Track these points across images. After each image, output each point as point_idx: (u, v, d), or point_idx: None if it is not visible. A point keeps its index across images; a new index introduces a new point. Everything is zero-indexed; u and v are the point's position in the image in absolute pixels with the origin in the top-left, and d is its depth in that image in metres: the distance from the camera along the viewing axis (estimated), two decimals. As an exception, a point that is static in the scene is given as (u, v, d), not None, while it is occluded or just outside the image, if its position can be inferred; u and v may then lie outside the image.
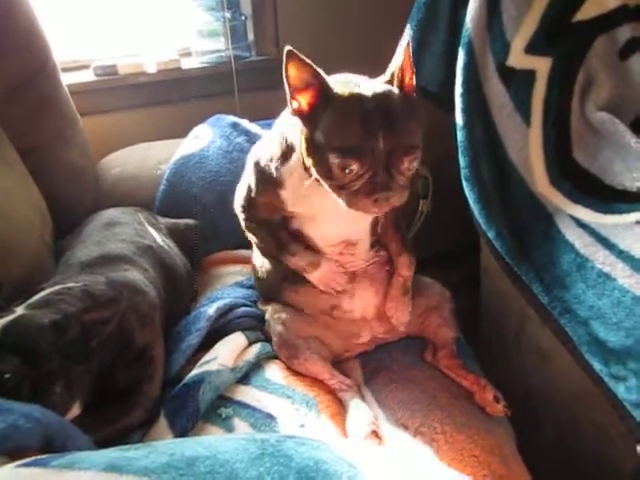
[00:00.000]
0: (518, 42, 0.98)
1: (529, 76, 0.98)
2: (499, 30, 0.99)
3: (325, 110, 0.75)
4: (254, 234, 1.00)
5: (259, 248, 1.02)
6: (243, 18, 1.65)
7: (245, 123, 1.39)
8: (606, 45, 0.98)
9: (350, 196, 0.77)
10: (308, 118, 0.77)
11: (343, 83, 0.78)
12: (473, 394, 0.90)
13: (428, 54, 1.12)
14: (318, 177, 0.79)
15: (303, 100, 0.77)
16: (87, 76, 1.52)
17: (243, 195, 0.97)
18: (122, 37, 1.62)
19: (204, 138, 1.36)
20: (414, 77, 0.79)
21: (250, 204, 0.96)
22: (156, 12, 1.65)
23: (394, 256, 0.98)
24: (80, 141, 1.35)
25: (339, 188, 0.77)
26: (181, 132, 1.43)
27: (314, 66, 0.75)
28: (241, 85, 1.59)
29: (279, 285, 1.00)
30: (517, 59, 0.98)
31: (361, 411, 0.85)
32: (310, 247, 0.95)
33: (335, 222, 0.90)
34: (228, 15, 1.59)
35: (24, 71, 1.19)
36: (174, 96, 1.60)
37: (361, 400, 0.88)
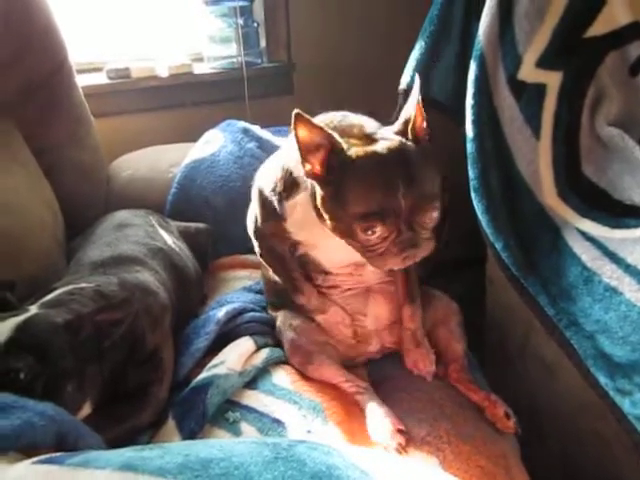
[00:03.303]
0: (530, 56, 0.99)
1: (540, 90, 0.98)
2: (511, 43, 1.00)
3: (343, 173, 0.74)
4: (268, 265, 1.00)
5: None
6: (255, 25, 1.66)
7: (256, 129, 1.40)
8: (617, 61, 0.98)
9: (376, 258, 0.77)
10: (324, 180, 0.76)
11: (352, 137, 0.77)
12: (484, 409, 0.89)
13: (439, 66, 1.13)
14: (339, 236, 0.79)
15: (316, 161, 0.75)
16: (100, 79, 1.54)
17: (252, 223, 0.98)
18: (135, 41, 1.65)
19: (215, 143, 1.38)
20: (424, 122, 0.79)
21: (258, 232, 0.97)
22: (169, 17, 1.67)
23: (400, 303, 0.97)
24: (92, 143, 1.36)
25: (363, 248, 0.78)
26: (192, 136, 1.44)
27: (324, 128, 0.74)
28: (252, 91, 1.61)
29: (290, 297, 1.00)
30: (528, 73, 0.99)
31: (382, 411, 0.83)
32: (321, 293, 0.96)
33: (341, 249, 0.86)
34: (240, 22, 1.61)
35: (41, 71, 1.20)
36: (185, 100, 1.62)
37: (379, 401, 0.86)
